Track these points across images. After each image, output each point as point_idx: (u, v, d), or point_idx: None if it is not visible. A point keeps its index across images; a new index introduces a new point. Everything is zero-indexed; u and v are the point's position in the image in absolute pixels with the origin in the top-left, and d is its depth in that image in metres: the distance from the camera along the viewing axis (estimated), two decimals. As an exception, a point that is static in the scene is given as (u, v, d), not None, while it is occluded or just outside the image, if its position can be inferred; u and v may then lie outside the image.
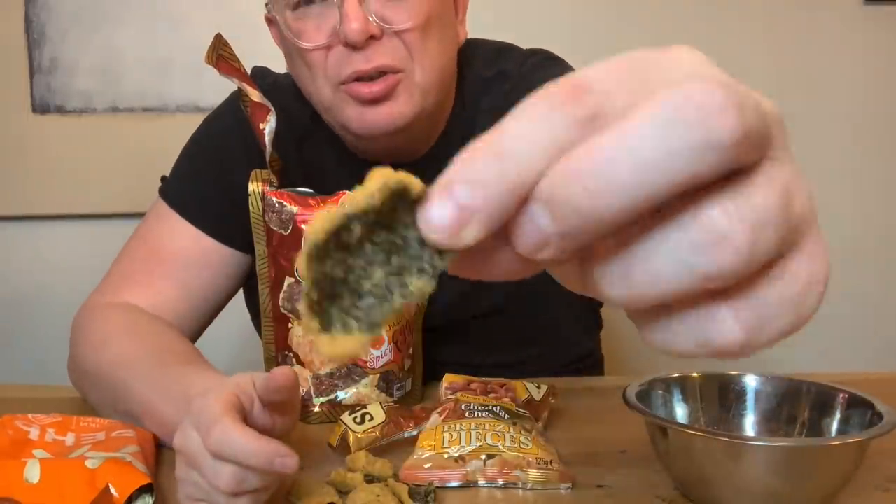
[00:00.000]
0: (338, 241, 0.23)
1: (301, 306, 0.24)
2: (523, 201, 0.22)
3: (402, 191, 0.23)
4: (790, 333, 0.23)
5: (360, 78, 0.78)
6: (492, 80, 0.90)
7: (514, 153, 0.21)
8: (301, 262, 0.23)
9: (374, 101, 0.78)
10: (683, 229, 0.21)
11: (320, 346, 0.24)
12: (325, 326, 0.24)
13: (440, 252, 0.23)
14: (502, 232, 0.23)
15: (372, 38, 0.76)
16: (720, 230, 0.21)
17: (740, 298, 0.22)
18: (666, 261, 0.21)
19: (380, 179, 0.23)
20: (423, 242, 0.23)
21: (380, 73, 0.77)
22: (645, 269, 0.22)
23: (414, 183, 0.23)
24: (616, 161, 0.20)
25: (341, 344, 0.23)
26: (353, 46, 0.76)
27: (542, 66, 0.90)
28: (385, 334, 0.78)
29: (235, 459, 0.52)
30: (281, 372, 0.57)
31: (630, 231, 0.22)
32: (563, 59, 0.94)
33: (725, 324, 0.22)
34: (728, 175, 0.21)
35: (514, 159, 0.21)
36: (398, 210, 0.23)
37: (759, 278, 0.22)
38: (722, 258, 0.21)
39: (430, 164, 0.90)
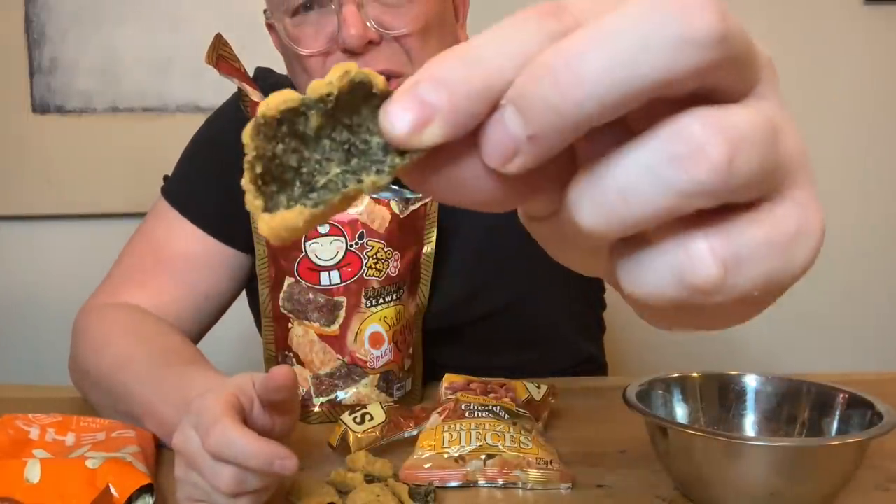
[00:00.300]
0: (293, 127, 0.23)
1: (243, 180, 0.22)
2: (491, 107, 0.21)
3: (364, 85, 0.23)
4: (777, 284, 0.22)
5: None
6: None
7: (484, 58, 0.21)
8: (245, 132, 0.22)
9: None
10: (658, 140, 0.20)
11: (260, 225, 0.23)
12: (269, 208, 0.23)
13: (402, 153, 0.22)
14: (471, 142, 0.22)
15: (370, 43, 0.76)
16: (697, 141, 0.20)
17: (719, 231, 0.21)
18: (639, 175, 0.20)
19: (341, 68, 0.22)
20: (385, 148, 0.23)
21: None
22: (618, 185, 0.21)
23: (378, 79, 0.23)
24: (588, 55, 0.19)
25: (280, 217, 0.22)
26: (352, 52, 0.76)
27: None
28: (385, 333, 0.79)
29: (235, 460, 0.52)
30: (280, 371, 0.57)
31: (603, 146, 0.21)
32: None
33: (702, 255, 0.21)
34: (710, 99, 0.21)
35: (484, 63, 0.21)
36: (361, 112, 0.23)
37: (742, 215, 0.21)
38: (698, 171, 0.20)
39: None
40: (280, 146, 0.23)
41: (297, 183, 0.23)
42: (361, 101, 0.23)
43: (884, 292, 1.78)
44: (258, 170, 0.23)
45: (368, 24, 0.76)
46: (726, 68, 0.20)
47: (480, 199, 0.23)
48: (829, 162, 1.72)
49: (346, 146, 0.23)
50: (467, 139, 0.22)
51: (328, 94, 0.22)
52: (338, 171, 0.23)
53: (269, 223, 0.22)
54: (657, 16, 0.19)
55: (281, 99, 0.22)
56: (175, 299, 0.86)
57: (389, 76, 0.78)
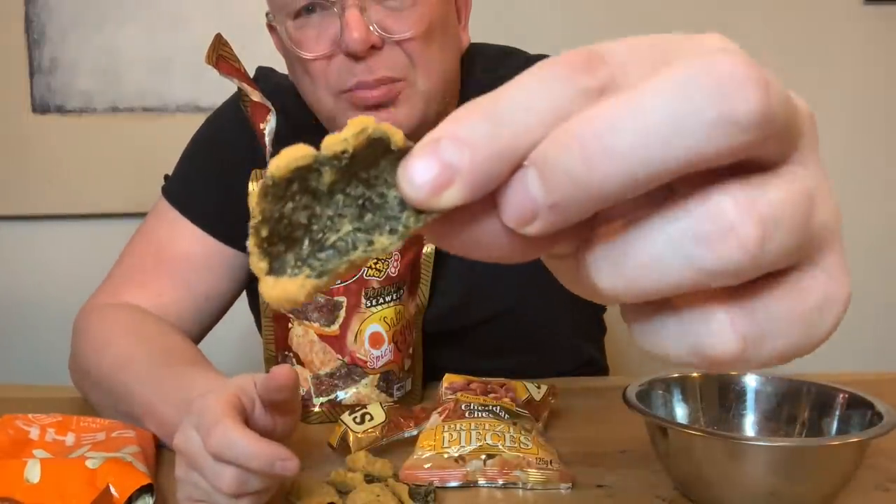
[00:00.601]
0: (304, 184, 0.22)
1: (248, 242, 0.22)
2: (514, 168, 0.20)
3: (382, 141, 0.22)
4: (797, 355, 0.21)
5: (362, 87, 0.78)
6: (490, 86, 0.89)
7: (510, 116, 0.20)
8: (252, 196, 0.22)
9: (376, 106, 0.78)
10: (687, 216, 0.19)
11: (262, 289, 0.22)
12: (275, 270, 0.22)
13: (418, 213, 0.21)
14: (490, 200, 0.21)
15: (373, 47, 0.76)
16: (728, 221, 0.19)
17: (742, 304, 0.20)
18: (664, 249, 0.19)
19: (358, 125, 0.22)
20: (402, 204, 0.22)
21: (382, 84, 0.77)
22: (641, 256, 0.20)
23: (396, 135, 0.22)
24: (619, 128, 0.18)
25: (282, 286, 0.21)
26: (355, 56, 0.76)
27: None
28: (385, 333, 0.79)
29: (236, 462, 0.52)
30: (281, 371, 0.57)
31: (629, 213, 0.20)
32: None
33: (722, 330, 0.20)
34: (746, 167, 0.20)
35: (509, 122, 0.20)
36: (379, 164, 0.22)
37: (767, 286, 0.21)
38: (726, 252, 0.19)
39: None
40: (290, 205, 0.22)
41: (307, 241, 0.22)
42: (379, 154, 0.22)
43: (884, 292, 1.78)
44: (264, 234, 0.22)
45: (371, 27, 0.75)
46: (766, 144, 0.19)
47: (497, 255, 0.22)
48: (829, 162, 1.69)
49: (361, 201, 0.22)
50: (487, 196, 0.21)
51: (343, 152, 0.22)
52: (349, 228, 0.22)
53: (270, 291, 0.22)
54: (696, 93, 0.18)
55: (292, 157, 0.21)
56: (175, 300, 0.86)
57: (391, 81, 0.78)
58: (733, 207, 0.19)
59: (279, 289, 0.22)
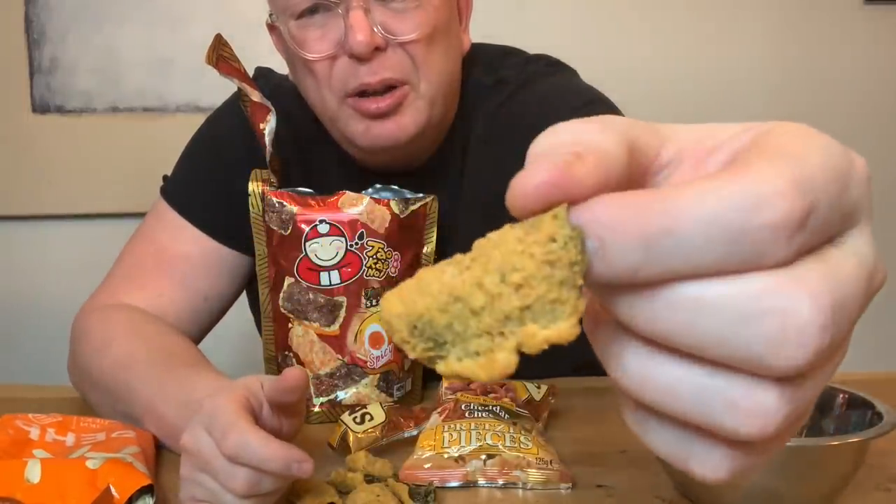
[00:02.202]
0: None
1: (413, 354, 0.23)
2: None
3: None
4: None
5: (366, 91, 0.77)
6: (490, 88, 0.89)
7: (690, 249, 0.20)
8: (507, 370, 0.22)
9: (382, 115, 0.78)
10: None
11: (476, 376, 0.22)
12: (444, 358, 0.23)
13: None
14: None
15: (377, 49, 0.76)
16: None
17: (743, 449, 0.22)
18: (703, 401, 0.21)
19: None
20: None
21: (385, 87, 0.77)
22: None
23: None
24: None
25: (489, 366, 0.22)
26: (358, 58, 0.76)
27: (543, 74, 0.90)
28: (385, 333, 0.79)
29: (252, 464, 0.52)
30: (292, 373, 0.57)
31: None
32: (565, 65, 0.93)
33: (716, 464, 0.22)
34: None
35: (688, 255, 0.20)
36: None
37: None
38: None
39: (430, 173, 0.90)
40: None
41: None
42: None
43: (884, 292, 1.78)
44: (425, 349, 0.23)
45: (375, 29, 0.75)
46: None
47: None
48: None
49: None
50: None
51: None
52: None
53: (490, 373, 0.22)
54: (771, 350, 0.20)
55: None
56: (175, 300, 0.85)
57: (394, 84, 0.78)
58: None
59: (494, 370, 0.22)
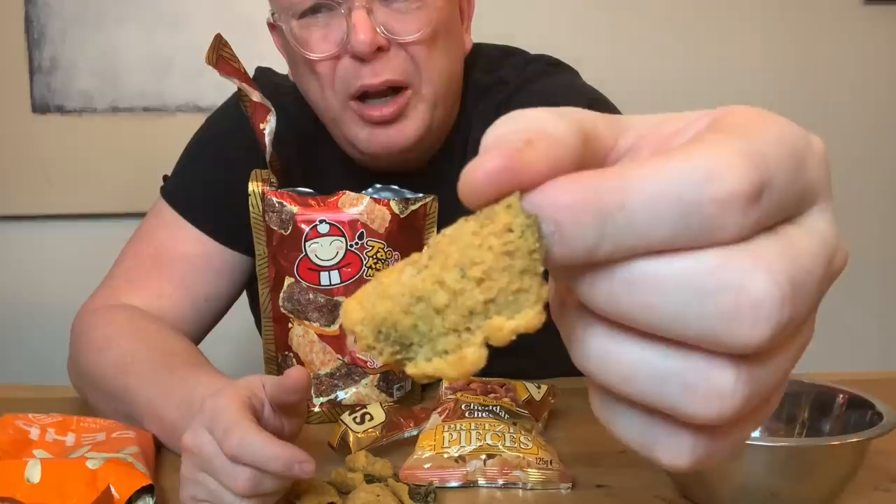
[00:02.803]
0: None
1: (380, 359, 0.23)
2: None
3: None
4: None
5: (368, 93, 0.77)
6: (489, 88, 0.89)
7: (621, 233, 0.20)
8: (477, 364, 0.22)
9: (384, 122, 0.78)
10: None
11: (446, 374, 0.22)
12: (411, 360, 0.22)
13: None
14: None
15: (379, 49, 0.76)
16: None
17: (707, 434, 0.22)
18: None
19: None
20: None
21: (388, 89, 0.77)
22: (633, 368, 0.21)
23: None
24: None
25: (459, 363, 0.22)
26: (361, 58, 0.76)
27: (543, 74, 0.90)
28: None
29: (254, 463, 0.52)
30: (295, 373, 0.57)
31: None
32: (565, 65, 0.93)
33: (680, 451, 0.22)
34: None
35: (644, 230, 0.20)
36: None
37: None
38: (712, 417, 0.20)
39: (430, 173, 0.90)
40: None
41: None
42: None
43: (884, 292, 1.78)
44: (392, 352, 0.22)
45: (378, 29, 0.75)
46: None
47: None
48: (829, 162, 1.71)
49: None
50: None
51: None
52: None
53: (460, 370, 0.22)
54: (723, 325, 0.19)
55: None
56: (175, 301, 0.85)
57: (396, 86, 0.78)
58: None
59: (467, 365, 0.22)
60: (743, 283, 0.19)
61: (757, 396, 0.21)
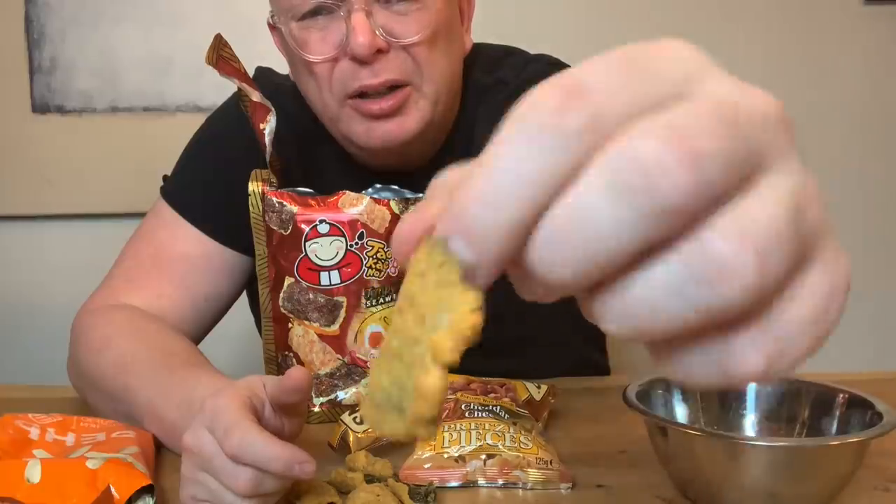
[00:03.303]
0: None
1: (420, 431, 0.23)
2: (528, 233, 0.21)
3: None
4: (815, 351, 0.22)
5: (367, 92, 0.77)
6: (489, 88, 0.89)
7: (509, 195, 0.20)
8: (438, 392, 0.22)
9: (383, 116, 0.78)
10: (682, 261, 0.20)
11: (421, 411, 0.23)
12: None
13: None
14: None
15: (379, 51, 0.76)
16: (722, 259, 0.19)
17: (757, 325, 0.21)
18: (666, 295, 0.20)
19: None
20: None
21: (388, 88, 0.77)
22: (645, 303, 0.20)
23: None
24: (567, 232, 0.20)
25: (422, 394, 0.22)
26: (361, 61, 0.76)
27: (543, 74, 0.89)
28: (385, 333, 0.78)
29: (255, 464, 0.52)
30: (296, 373, 0.56)
31: (627, 264, 0.20)
32: (565, 65, 0.93)
33: (745, 354, 0.21)
34: (721, 198, 0.20)
35: (509, 203, 0.20)
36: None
37: (775, 299, 0.21)
38: (728, 290, 0.19)
39: (430, 173, 0.90)
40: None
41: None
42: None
43: (883, 292, 1.78)
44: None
45: (377, 31, 0.75)
46: (714, 193, 0.19)
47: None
48: (829, 162, 1.72)
49: None
50: None
51: None
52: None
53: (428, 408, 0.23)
54: (626, 191, 0.19)
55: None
56: (174, 301, 0.85)
57: (395, 85, 0.78)
58: (724, 243, 0.19)
59: (425, 395, 0.22)
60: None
61: (769, 265, 0.20)
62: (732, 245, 0.19)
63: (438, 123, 0.84)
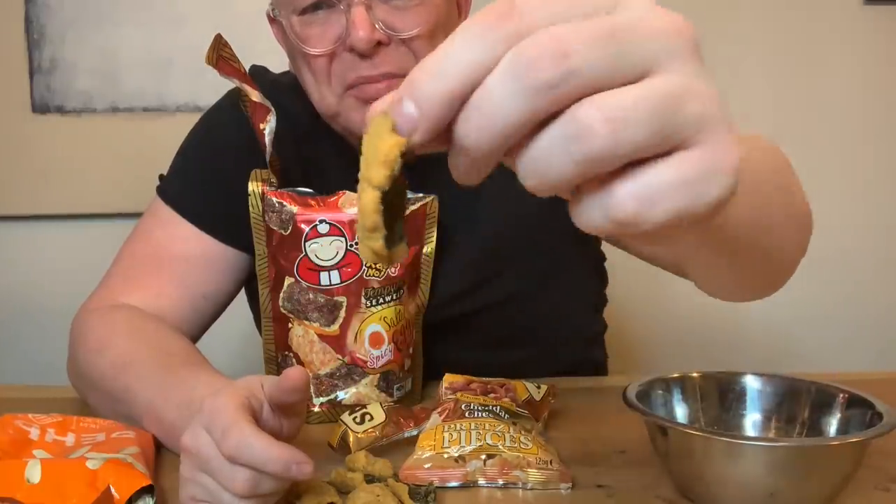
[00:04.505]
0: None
1: (372, 243, 0.30)
2: (457, 110, 0.28)
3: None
4: (691, 214, 0.27)
5: (366, 81, 0.78)
6: None
7: (448, 72, 0.27)
8: (372, 206, 0.29)
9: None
10: (560, 124, 0.27)
11: (391, 259, 0.31)
12: (390, 245, 0.31)
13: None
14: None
15: (378, 45, 0.76)
16: (584, 123, 0.26)
17: (635, 176, 0.27)
18: (550, 150, 0.27)
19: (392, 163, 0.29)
20: None
21: (387, 79, 0.77)
22: (540, 158, 0.27)
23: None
24: (478, 107, 0.27)
25: (397, 253, 0.31)
26: (360, 54, 0.76)
27: None
28: (385, 333, 0.79)
29: (252, 464, 0.52)
30: (294, 372, 0.56)
31: (527, 131, 0.27)
32: None
33: (620, 197, 0.27)
34: (598, 87, 0.26)
35: (447, 77, 0.27)
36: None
37: (655, 162, 0.27)
38: (588, 147, 0.26)
39: (429, 167, 0.90)
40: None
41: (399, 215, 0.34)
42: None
43: (884, 292, 1.78)
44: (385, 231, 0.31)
45: (377, 25, 0.75)
46: (582, 83, 0.26)
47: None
48: (829, 162, 1.72)
49: None
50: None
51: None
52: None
53: (395, 258, 0.32)
54: (510, 74, 0.27)
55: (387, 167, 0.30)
56: (174, 300, 0.85)
57: (395, 77, 0.78)
58: (586, 112, 0.26)
59: (398, 255, 0.31)
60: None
61: (623, 132, 0.26)
62: (589, 112, 0.26)
63: None
